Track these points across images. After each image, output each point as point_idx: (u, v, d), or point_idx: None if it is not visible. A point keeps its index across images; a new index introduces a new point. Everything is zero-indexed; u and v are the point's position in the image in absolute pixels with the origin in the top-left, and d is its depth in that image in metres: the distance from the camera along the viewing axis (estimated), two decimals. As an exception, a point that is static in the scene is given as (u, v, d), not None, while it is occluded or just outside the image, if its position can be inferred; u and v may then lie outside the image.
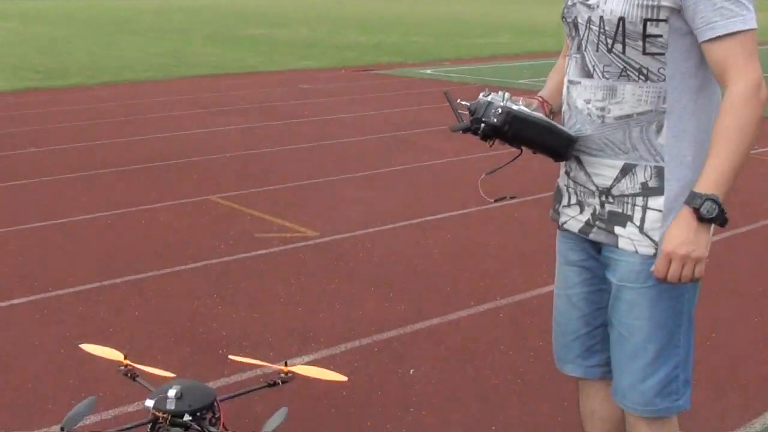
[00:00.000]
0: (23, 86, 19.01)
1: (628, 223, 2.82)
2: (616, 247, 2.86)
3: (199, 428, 3.58)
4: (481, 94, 2.92)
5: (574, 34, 2.90)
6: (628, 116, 2.77)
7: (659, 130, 2.75)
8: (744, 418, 4.42)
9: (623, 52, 2.75)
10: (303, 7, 57.04)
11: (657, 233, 2.77)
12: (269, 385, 4.03)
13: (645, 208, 2.79)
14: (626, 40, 2.73)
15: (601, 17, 2.75)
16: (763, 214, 8.20)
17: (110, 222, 8.36)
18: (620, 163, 2.81)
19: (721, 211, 2.59)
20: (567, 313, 3.17)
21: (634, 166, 2.79)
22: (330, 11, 51.64)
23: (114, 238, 7.79)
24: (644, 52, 2.72)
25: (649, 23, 2.68)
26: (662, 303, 2.83)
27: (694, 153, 2.76)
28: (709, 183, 2.60)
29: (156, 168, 10.87)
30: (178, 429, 3.57)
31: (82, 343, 4.46)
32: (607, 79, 2.79)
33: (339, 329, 5.58)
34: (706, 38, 2.63)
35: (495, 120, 2.82)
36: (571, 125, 2.93)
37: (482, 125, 2.86)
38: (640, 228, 2.80)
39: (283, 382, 4.01)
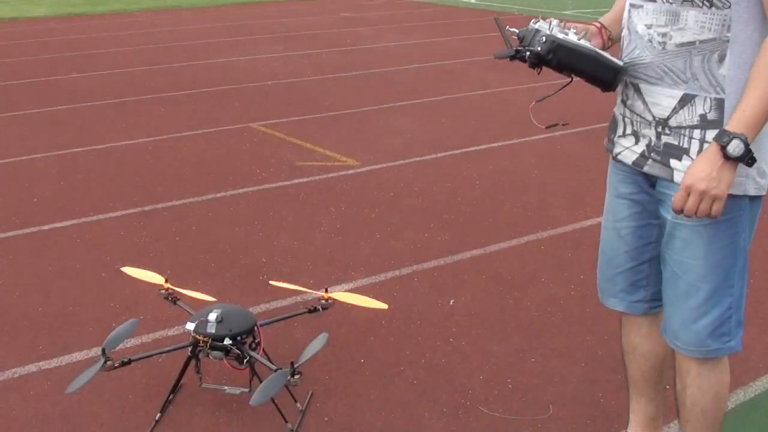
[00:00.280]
0: (66, 12, 19.03)
1: (684, 156, 2.70)
2: (671, 181, 2.74)
3: (239, 352, 3.59)
4: (531, 22, 2.85)
5: None
6: (690, 44, 2.63)
7: (722, 60, 2.60)
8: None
9: None
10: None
11: None
12: (310, 311, 4.03)
13: (702, 141, 2.65)
14: None
15: None
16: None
17: (151, 148, 8.37)
18: (679, 93, 2.69)
19: (748, 151, 2.48)
20: (614, 247, 3.10)
21: (694, 96, 2.66)
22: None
23: (155, 164, 7.79)
24: None
25: None
26: (718, 242, 2.73)
27: None
28: (739, 122, 2.49)
29: (197, 95, 10.85)
30: (218, 352, 3.59)
31: (124, 266, 4.48)
32: (671, 3, 2.64)
33: (379, 258, 5.56)
34: None
35: (539, 48, 2.75)
36: (629, 51, 2.80)
37: (527, 53, 2.80)
38: None
39: (323, 309, 4.01)
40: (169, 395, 3.84)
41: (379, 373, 4.15)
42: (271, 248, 5.73)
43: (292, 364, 3.34)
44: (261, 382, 3.36)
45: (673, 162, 2.74)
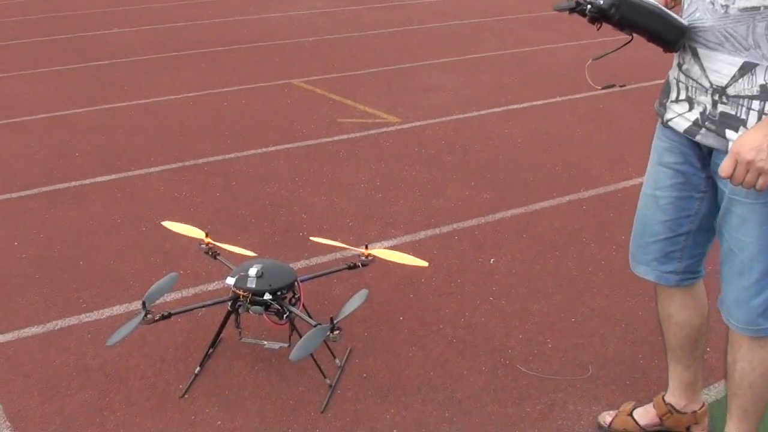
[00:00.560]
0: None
1: (741, 127, 2.56)
2: (726, 152, 2.58)
3: (279, 307, 3.59)
4: None
5: None
6: (755, 9, 2.46)
7: None
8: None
9: None
10: None
11: None
12: (349, 268, 4.02)
13: (761, 112, 2.52)
14: None
15: None
16: None
17: (192, 103, 8.37)
18: (740, 61, 2.52)
19: None
20: (650, 214, 3.01)
21: (755, 65, 2.51)
22: None
23: (196, 119, 7.80)
24: None
25: None
26: None
27: None
28: None
29: (239, 50, 10.84)
30: (258, 307, 3.59)
31: (164, 221, 4.49)
32: None
33: (419, 216, 5.54)
34: None
35: (602, 2, 2.62)
36: (690, 13, 2.65)
37: (588, 6, 2.68)
38: None
39: (363, 265, 4.00)
40: (209, 349, 3.86)
41: (418, 331, 4.15)
42: (312, 204, 5.73)
43: (331, 319, 3.34)
44: (300, 337, 3.36)
45: (729, 133, 2.60)
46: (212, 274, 4.70)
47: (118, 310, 4.39)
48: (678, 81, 2.77)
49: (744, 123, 2.56)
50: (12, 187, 6.11)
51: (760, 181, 2.43)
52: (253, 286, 3.57)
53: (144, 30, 12.16)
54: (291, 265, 4.11)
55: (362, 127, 7.46)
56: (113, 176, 6.33)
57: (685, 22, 2.65)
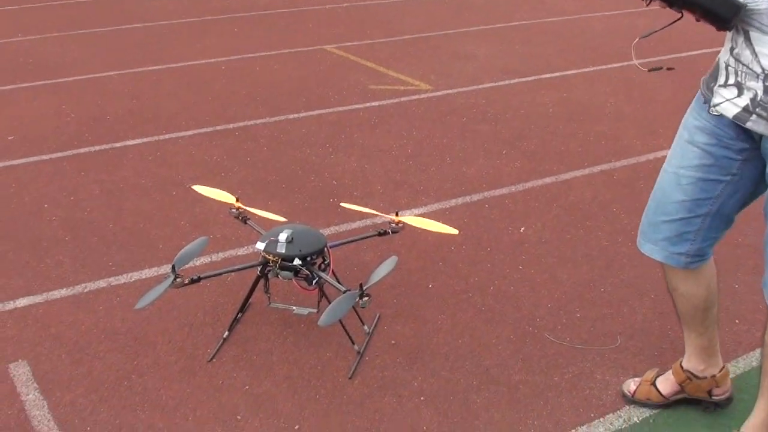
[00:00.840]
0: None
1: None
2: None
3: (308, 273, 3.59)
4: None
5: None
6: None
7: None
8: None
9: None
10: None
11: None
12: (379, 234, 4.02)
13: None
14: None
15: None
16: None
17: (224, 68, 8.37)
18: None
19: None
20: (668, 193, 2.93)
21: None
22: None
23: (228, 84, 7.80)
24: None
25: None
26: None
27: None
28: None
29: (272, 15, 10.81)
30: (287, 272, 3.59)
31: (195, 185, 4.50)
32: None
33: (450, 184, 5.52)
34: None
35: None
36: None
37: None
38: None
39: (393, 232, 3.99)
40: (237, 314, 3.87)
41: (447, 299, 4.14)
42: (342, 171, 5.72)
43: (360, 286, 3.33)
44: (329, 303, 3.36)
45: None
46: (242, 239, 4.71)
47: (147, 273, 4.40)
48: (728, 65, 2.66)
49: None
50: (43, 149, 6.14)
51: None
52: (283, 251, 3.56)
53: (177, -6, 12.16)
54: (321, 230, 4.11)
55: (394, 94, 7.43)
56: (144, 140, 6.34)
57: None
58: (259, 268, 3.68)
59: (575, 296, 4.17)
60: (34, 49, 9.35)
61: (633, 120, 6.78)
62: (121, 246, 4.70)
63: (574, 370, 3.58)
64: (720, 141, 2.74)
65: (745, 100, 2.59)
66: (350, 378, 3.53)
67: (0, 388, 3.47)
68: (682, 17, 2.62)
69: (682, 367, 3.28)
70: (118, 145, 6.24)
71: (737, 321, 3.93)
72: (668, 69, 3.10)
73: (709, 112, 2.74)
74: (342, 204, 4.75)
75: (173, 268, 3.50)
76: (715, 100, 2.70)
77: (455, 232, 4.05)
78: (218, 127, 6.59)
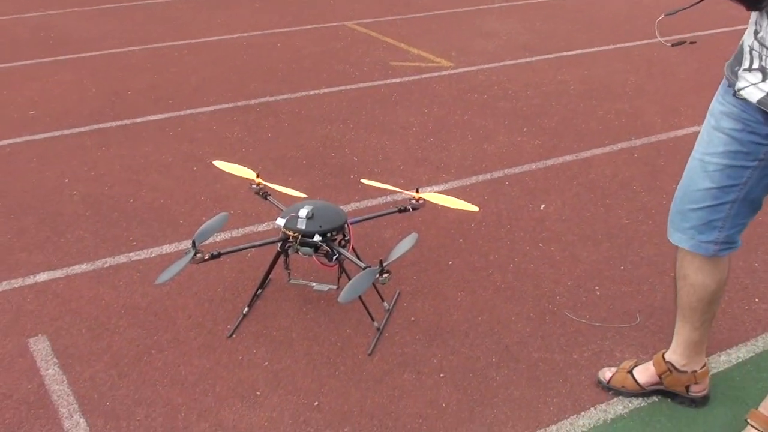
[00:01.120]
0: None
1: None
2: None
3: (328, 249, 3.59)
4: None
5: None
6: None
7: None
8: None
9: None
10: None
11: None
12: (400, 211, 4.01)
13: None
14: None
15: None
16: None
17: (246, 44, 8.37)
18: None
19: None
20: (695, 180, 2.87)
21: None
22: None
23: (249, 60, 7.80)
24: None
25: None
26: None
27: None
28: None
29: (292, -9, 10.79)
30: (307, 249, 3.59)
31: (215, 160, 4.50)
32: None
33: (470, 161, 5.51)
34: None
35: None
36: None
37: None
38: None
39: (413, 209, 3.98)
40: (258, 290, 3.88)
41: (467, 276, 4.14)
42: (363, 147, 5.71)
43: (380, 262, 3.33)
44: (349, 279, 3.36)
45: None
46: (262, 215, 4.72)
47: (167, 249, 4.42)
48: (752, 49, 2.59)
49: None
50: (64, 124, 6.16)
51: None
52: (303, 227, 3.57)
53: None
54: (341, 207, 4.11)
55: (415, 71, 7.42)
56: (165, 115, 6.35)
57: None
58: (279, 244, 3.69)
59: (595, 274, 4.16)
60: (54, 23, 9.37)
61: (653, 98, 6.74)
62: (141, 221, 4.71)
63: (594, 348, 3.58)
64: (746, 126, 2.67)
65: None
66: (370, 354, 3.54)
67: (20, 362, 3.50)
68: None
69: (664, 359, 3.25)
70: (139, 120, 6.25)
71: (757, 300, 3.91)
72: (691, 43, 3.07)
73: (734, 96, 2.68)
74: (362, 180, 4.74)
75: (193, 243, 3.50)
76: (740, 84, 2.64)
77: (476, 209, 4.04)
78: (239, 103, 6.59)
